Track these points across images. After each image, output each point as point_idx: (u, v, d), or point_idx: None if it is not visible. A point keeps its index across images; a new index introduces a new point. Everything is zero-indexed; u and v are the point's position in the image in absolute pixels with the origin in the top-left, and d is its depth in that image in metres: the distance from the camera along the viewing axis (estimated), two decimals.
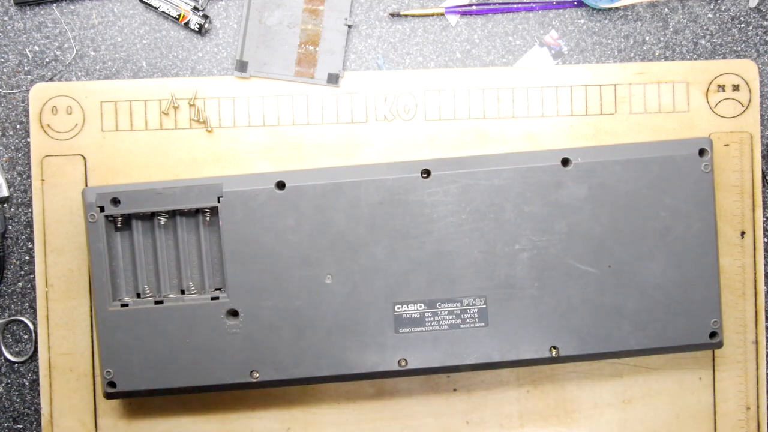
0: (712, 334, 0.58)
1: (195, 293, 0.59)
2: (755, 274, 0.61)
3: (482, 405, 0.62)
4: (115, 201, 0.58)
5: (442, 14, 0.62)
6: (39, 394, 0.62)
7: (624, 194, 0.57)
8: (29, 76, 0.62)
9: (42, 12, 0.62)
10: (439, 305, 0.58)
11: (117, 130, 0.61)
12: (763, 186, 0.62)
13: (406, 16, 0.62)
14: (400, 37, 0.62)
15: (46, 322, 0.61)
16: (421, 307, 0.58)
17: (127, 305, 0.58)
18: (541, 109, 0.61)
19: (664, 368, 0.62)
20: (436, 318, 0.58)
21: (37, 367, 0.62)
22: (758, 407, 0.62)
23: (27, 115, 0.62)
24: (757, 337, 0.62)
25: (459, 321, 0.57)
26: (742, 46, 0.62)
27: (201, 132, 0.61)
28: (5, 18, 0.62)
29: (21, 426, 0.63)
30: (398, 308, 0.58)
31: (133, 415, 0.61)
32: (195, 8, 0.61)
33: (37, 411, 0.63)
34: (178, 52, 0.62)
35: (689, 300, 0.58)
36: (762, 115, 0.62)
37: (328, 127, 0.61)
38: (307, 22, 0.61)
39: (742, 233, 0.61)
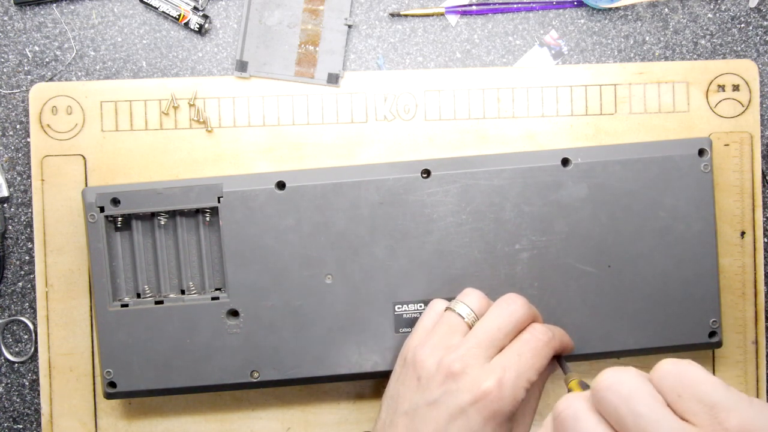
0: (712, 334, 0.58)
1: (195, 293, 0.59)
2: (755, 274, 0.61)
3: None
4: (115, 201, 0.58)
5: (442, 14, 0.62)
6: (39, 394, 0.62)
7: (624, 194, 0.57)
8: (29, 76, 0.62)
9: (42, 12, 0.62)
10: None
11: (117, 130, 0.61)
12: (763, 186, 0.62)
13: (406, 16, 0.62)
14: (400, 37, 0.62)
15: (46, 322, 0.61)
16: (421, 307, 0.58)
17: (127, 305, 0.58)
18: (541, 109, 0.61)
19: None
20: None
21: (37, 367, 0.62)
22: None
23: (27, 115, 0.62)
24: (757, 337, 0.62)
25: None
26: (742, 46, 0.62)
27: (201, 132, 0.61)
28: (5, 18, 0.62)
29: (21, 426, 0.63)
30: (398, 308, 0.58)
31: (133, 415, 0.61)
32: (195, 8, 0.61)
33: (37, 411, 0.63)
34: (178, 52, 0.62)
35: (689, 300, 0.58)
36: (762, 115, 0.62)
37: (328, 127, 0.61)
38: (307, 22, 0.61)
39: (742, 233, 0.61)
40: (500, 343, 0.51)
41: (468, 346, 0.50)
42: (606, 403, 0.35)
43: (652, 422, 0.33)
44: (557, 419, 0.37)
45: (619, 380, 0.35)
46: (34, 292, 0.62)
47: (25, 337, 0.63)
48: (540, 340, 0.51)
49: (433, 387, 0.49)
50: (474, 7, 0.62)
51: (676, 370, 0.34)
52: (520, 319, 0.52)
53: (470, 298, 0.54)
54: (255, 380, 0.58)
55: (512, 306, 0.52)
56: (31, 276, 0.62)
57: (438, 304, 0.55)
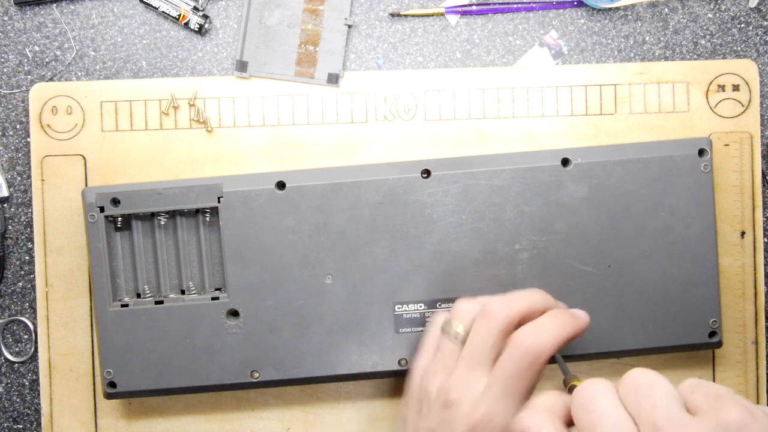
0: (711, 334, 0.58)
1: (195, 293, 0.59)
2: (755, 274, 0.61)
3: None
4: (115, 201, 0.58)
5: (442, 14, 0.62)
6: (39, 394, 0.62)
7: (624, 194, 0.57)
8: (29, 76, 0.62)
9: (42, 12, 0.62)
10: (439, 305, 0.58)
11: (117, 130, 0.61)
12: (763, 186, 0.62)
13: (406, 16, 0.62)
14: (400, 37, 0.62)
15: (46, 322, 0.61)
16: (421, 307, 0.58)
17: (127, 305, 0.58)
18: (541, 109, 0.61)
19: (664, 368, 0.62)
20: None
21: (37, 367, 0.62)
22: None
23: (27, 115, 0.62)
24: (757, 337, 0.62)
25: None
26: (742, 46, 0.62)
27: (201, 132, 0.61)
28: (5, 18, 0.62)
29: (21, 426, 0.63)
30: (398, 308, 0.58)
31: (133, 415, 0.61)
32: (195, 8, 0.61)
33: (37, 411, 0.63)
34: (178, 52, 0.62)
35: (689, 300, 0.58)
36: (762, 115, 0.62)
37: (328, 127, 0.61)
38: (307, 22, 0.61)
39: (742, 233, 0.61)
40: (490, 356, 0.50)
41: (460, 369, 0.51)
42: (631, 397, 0.39)
43: (663, 409, 0.37)
44: (580, 394, 0.40)
45: (650, 378, 0.39)
46: (34, 292, 0.62)
47: (25, 337, 0.63)
48: (524, 359, 0.50)
49: (432, 415, 0.51)
50: (474, 7, 0.62)
51: (698, 381, 0.39)
52: (501, 326, 0.51)
53: (460, 315, 0.53)
54: (255, 380, 0.58)
55: (489, 318, 0.51)
56: (31, 276, 0.62)
57: (439, 319, 0.55)
